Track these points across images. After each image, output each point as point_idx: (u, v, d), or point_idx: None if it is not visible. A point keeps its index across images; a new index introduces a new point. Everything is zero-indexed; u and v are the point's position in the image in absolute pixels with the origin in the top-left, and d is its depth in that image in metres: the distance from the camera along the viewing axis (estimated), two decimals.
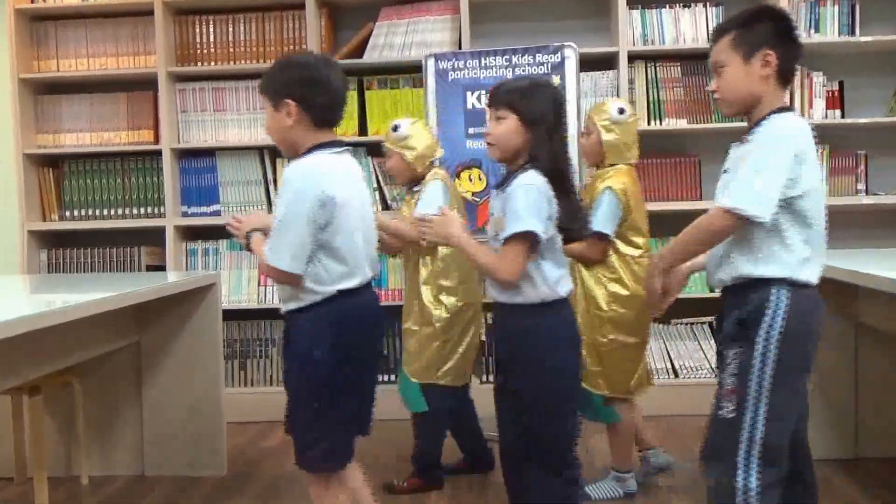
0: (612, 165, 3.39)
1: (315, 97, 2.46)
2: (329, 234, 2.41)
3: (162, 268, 4.93)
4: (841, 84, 4.73)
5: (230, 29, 4.91)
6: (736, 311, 2.33)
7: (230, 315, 4.79)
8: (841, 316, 3.76)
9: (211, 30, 4.92)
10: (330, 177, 2.43)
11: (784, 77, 2.34)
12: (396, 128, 3.59)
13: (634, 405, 3.50)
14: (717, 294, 4.61)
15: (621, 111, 3.37)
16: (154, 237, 4.90)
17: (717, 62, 2.37)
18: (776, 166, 2.22)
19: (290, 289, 2.47)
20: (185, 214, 4.95)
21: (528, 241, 2.41)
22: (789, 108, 2.38)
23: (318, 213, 2.38)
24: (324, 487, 2.56)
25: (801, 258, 2.30)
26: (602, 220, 3.26)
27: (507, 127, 2.51)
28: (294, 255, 2.38)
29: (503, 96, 2.53)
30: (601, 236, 3.26)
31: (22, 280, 4.30)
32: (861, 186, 4.72)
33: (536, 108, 2.50)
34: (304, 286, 2.44)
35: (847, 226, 4.85)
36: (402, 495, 3.57)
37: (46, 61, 5.01)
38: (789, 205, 2.26)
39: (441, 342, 3.52)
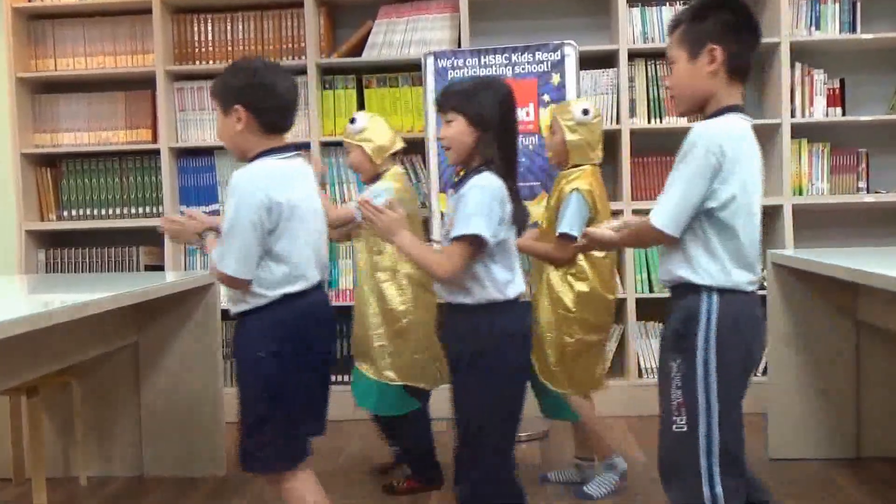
0: (576, 166, 3.39)
1: (263, 103, 2.48)
2: (275, 238, 2.44)
3: (160, 268, 4.92)
4: (842, 82, 4.71)
5: (228, 28, 4.89)
6: (673, 317, 2.34)
7: (229, 315, 4.76)
8: (842, 314, 3.76)
9: (209, 28, 4.91)
10: (276, 182, 2.45)
11: (736, 72, 2.27)
12: (353, 121, 3.58)
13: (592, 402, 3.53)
14: None
15: (585, 112, 3.38)
16: (152, 237, 4.88)
17: (669, 57, 2.34)
18: (688, 182, 2.20)
19: (237, 292, 2.49)
20: (183, 214, 4.92)
21: (474, 243, 2.39)
22: (735, 108, 2.29)
23: (265, 218, 2.41)
24: (286, 481, 2.56)
25: (726, 266, 2.25)
26: (570, 221, 3.25)
27: (455, 129, 2.50)
28: (240, 260, 2.41)
29: (449, 99, 2.53)
30: (568, 237, 3.22)
31: (19, 280, 4.29)
32: (862, 184, 4.71)
33: (482, 108, 2.48)
34: (250, 290, 2.46)
35: (848, 224, 4.84)
36: (401, 496, 3.55)
37: (44, 60, 4.99)
38: (710, 215, 2.22)
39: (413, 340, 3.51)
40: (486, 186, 2.41)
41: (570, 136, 3.36)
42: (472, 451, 2.51)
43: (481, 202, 2.39)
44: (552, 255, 3.32)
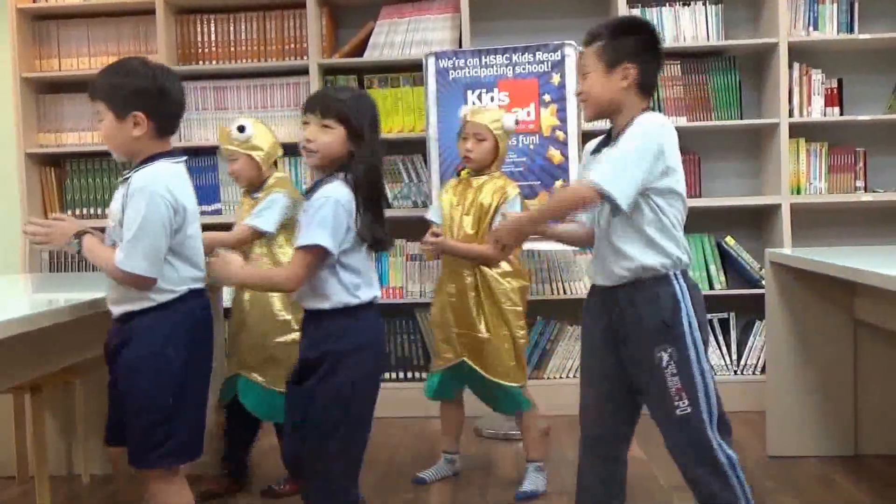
0: (489, 173, 3.51)
1: (162, 109, 2.49)
2: (179, 238, 2.47)
3: None
4: (840, 81, 4.73)
5: (231, 28, 4.92)
6: (650, 309, 2.43)
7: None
8: (840, 313, 3.77)
9: (212, 29, 4.94)
10: (178, 185, 2.49)
11: (644, 88, 2.48)
12: (242, 129, 3.46)
13: None
14: (714, 291, 4.63)
15: (516, 122, 3.64)
16: None
17: (583, 66, 2.52)
18: (639, 156, 2.36)
19: (128, 291, 2.47)
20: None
21: (317, 252, 2.44)
22: (651, 109, 2.53)
23: (172, 218, 2.43)
24: (166, 482, 2.54)
25: (681, 244, 2.47)
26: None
27: (334, 137, 2.51)
28: (150, 258, 2.40)
29: (333, 105, 2.52)
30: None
31: (23, 279, 4.31)
32: (860, 184, 4.73)
33: (363, 121, 2.52)
34: (154, 287, 2.46)
35: (846, 223, 4.86)
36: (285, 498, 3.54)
37: (48, 60, 5.02)
38: (660, 195, 2.41)
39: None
40: (333, 197, 2.45)
41: (502, 145, 3.54)
42: (318, 457, 2.52)
43: (327, 212, 2.43)
44: (488, 255, 3.37)
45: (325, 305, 2.50)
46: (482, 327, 3.46)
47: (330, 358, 2.48)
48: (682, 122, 4.69)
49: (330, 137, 2.50)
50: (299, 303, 2.58)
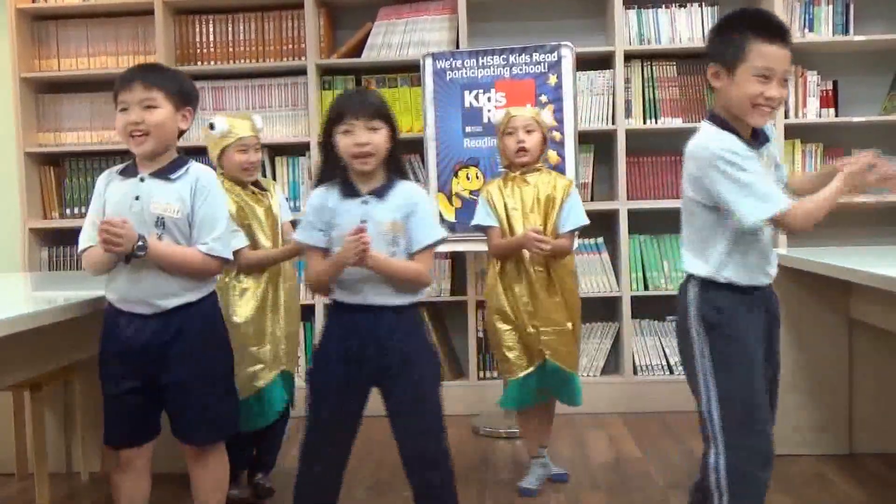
0: (537, 167, 3.53)
1: (195, 113, 2.71)
2: None
3: None
4: (835, 83, 4.76)
5: (230, 29, 4.94)
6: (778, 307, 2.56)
7: None
8: (835, 312, 3.79)
9: (211, 29, 4.96)
10: None
11: None
12: (259, 122, 3.50)
13: None
14: None
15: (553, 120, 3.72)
16: None
17: (787, 72, 2.40)
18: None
19: (190, 282, 2.61)
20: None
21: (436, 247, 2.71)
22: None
23: None
24: (222, 453, 2.80)
25: None
26: (583, 213, 3.47)
27: (384, 137, 2.61)
28: (230, 246, 2.73)
29: (379, 108, 2.63)
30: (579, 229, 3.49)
31: (23, 277, 4.33)
32: None
33: (396, 122, 2.70)
34: (203, 278, 2.67)
35: (840, 223, 4.86)
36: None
37: (47, 60, 5.04)
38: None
39: None
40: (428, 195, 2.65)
41: (546, 137, 3.60)
42: (444, 450, 2.73)
43: (434, 209, 2.58)
44: (567, 248, 3.46)
45: (414, 300, 2.68)
46: (563, 319, 3.45)
47: (431, 351, 2.73)
48: (678, 123, 4.71)
49: (381, 138, 2.60)
50: (382, 300, 2.63)
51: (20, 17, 4.92)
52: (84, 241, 2.61)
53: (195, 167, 2.66)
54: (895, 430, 3.82)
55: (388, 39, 4.84)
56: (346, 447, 2.77)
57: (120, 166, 2.69)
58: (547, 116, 3.62)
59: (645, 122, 4.74)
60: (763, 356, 2.48)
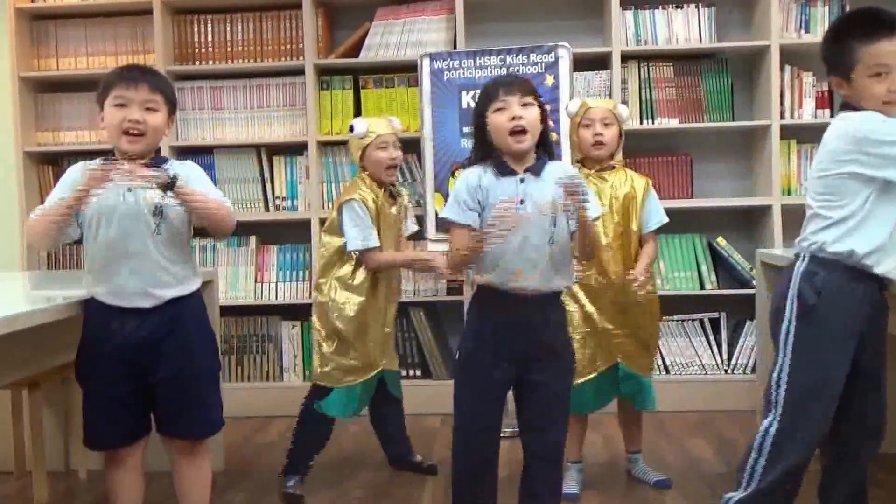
0: (611, 163, 3.43)
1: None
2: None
3: None
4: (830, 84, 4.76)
5: (228, 29, 4.95)
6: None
7: (227, 311, 4.83)
8: None
9: (209, 29, 4.97)
10: None
11: None
12: (351, 129, 3.60)
13: None
14: (705, 291, 4.65)
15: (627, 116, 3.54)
16: None
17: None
18: None
19: (184, 271, 2.68)
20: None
21: None
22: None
23: None
24: (207, 449, 2.81)
25: None
26: (663, 211, 3.45)
27: (535, 115, 2.58)
28: None
29: (528, 85, 2.62)
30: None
31: (22, 276, 4.34)
32: None
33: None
34: (194, 271, 2.75)
35: None
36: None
37: (46, 60, 5.06)
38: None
39: None
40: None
41: (622, 132, 3.47)
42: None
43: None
44: (655, 255, 3.48)
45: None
46: (642, 321, 3.41)
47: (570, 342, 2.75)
48: (675, 123, 4.73)
49: (533, 115, 2.58)
50: (544, 285, 2.60)
51: (19, 16, 4.93)
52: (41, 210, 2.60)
53: (176, 162, 2.72)
54: (892, 430, 3.82)
55: (386, 40, 4.86)
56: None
57: (96, 161, 2.66)
58: (623, 110, 3.49)
59: (642, 123, 4.76)
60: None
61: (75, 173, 2.62)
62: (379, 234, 3.46)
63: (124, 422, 2.66)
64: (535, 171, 2.59)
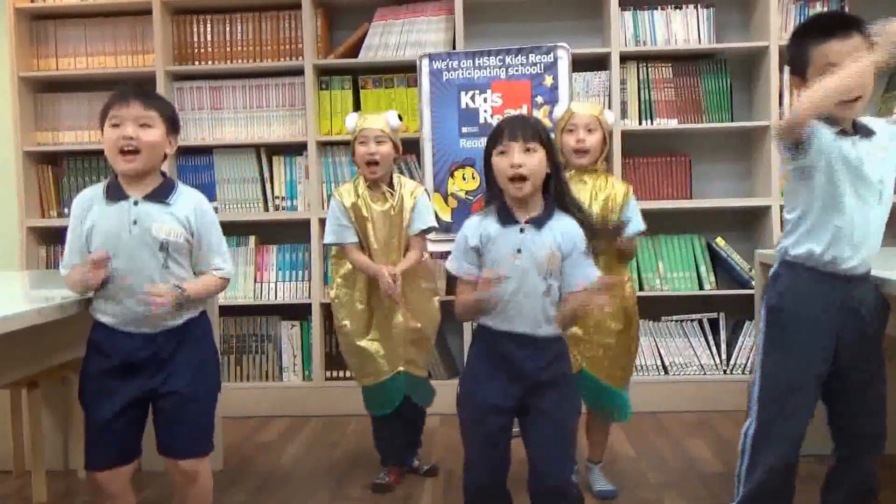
0: (596, 168, 3.38)
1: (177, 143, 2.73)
2: None
3: None
4: None
5: (227, 29, 4.96)
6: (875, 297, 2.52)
7: (226, 311, 4.84)
8: None
9: (208, 29, 4.98)
10: None
11: None
12: (400, 118, 3.62)
13: None
14: (704, 292, 4.65)
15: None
16: None
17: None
18: None
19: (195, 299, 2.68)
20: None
21: None
22: None
23: None
24: (206, 465, 2.75)
25: None
26: (642, 219, 3.34)
27: (538, 160, 2.51)
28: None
29: (538, 130, 2.54)
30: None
31: (21, 276, 4.34)
32: None
33: (554, 147, 2.60)
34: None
35: None
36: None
37: (46, 60, 5.06)
38: None
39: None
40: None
41: (607, 138, 3.41)
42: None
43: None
44: (632, 250, 3.39)
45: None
46: (616, 333, 3.32)
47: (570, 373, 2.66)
48: (673, 124, 4.73)
49: (537, 161, 2.51)
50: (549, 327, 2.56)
51: (19, 16, 4.94)
52: (67, 266, 2.65)
53: (184, 189, 2.67)
54: (890, 431, 3.83)
55: (385, 40, 4.86)
56: None
57: (98, 188, 2.64)
58: (610, 116, 3.46)
59: (641, 123, 4.76)
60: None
61: (80, 208, 2.65)
62: (364, 232, 3.45)
63: (115, 443, 2.61)
64: (538, 223, 2.54)
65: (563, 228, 2.54)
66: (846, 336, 2.49)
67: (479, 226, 2.57)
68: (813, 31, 2.44)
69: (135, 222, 2.54)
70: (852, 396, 2.55)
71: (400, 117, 3.61)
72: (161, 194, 2.60)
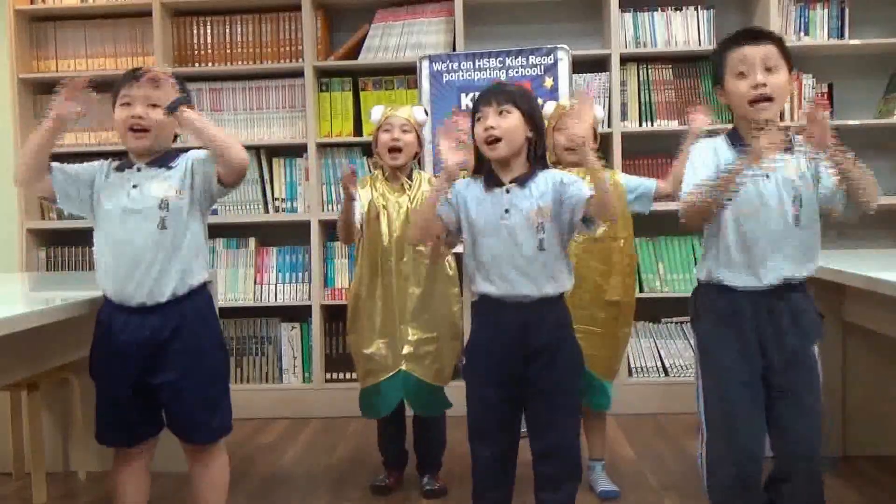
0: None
1: None
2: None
3: None
4: (830, 86, 4.78)
5: (227, 30, 4.96)
6: (809, 307, 2.60)
7: (226, 313, 4.83)
8: (829, 315, 3.79)
9: (208, 31, 4.98)
10: None
11: None
12: (426, 112, 3.57)
13: None
14: None
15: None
16: None
17: (774, 64, 2.49)
18: None
19: (195, 262, 2.65)
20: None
21: None
22: None
23: None
24: (224, 451, 2.85)
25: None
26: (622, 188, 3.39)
27: (512, 122, 2.55)
28: None
29: (512, 93, 2.59)
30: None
31: (21, 278, 4.34)
32: None
33: (536, 109, 2.64)
34: (202, 265, 2.68)
35: (835, 226, 4.89)
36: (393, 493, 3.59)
37: (45, 61, 5.06)
38: None
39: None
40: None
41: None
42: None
43: None
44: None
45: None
46: (608, 322, 3.37)
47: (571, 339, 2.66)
48: (674, 125, 4.73)
49: (511, 122, 2.56)
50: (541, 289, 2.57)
51: (18, 18, 4.94)
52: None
53: (191, 153, 2.72)
54: (889, 432, 3.83)
55: (385, 42, 4.86)
56: None
57: (115, 162, 2.72)
58: (599, 112, 3.43)
59: (641, 125, 4.76)
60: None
61: (98, 164, 2.74)
62: (376, 229, 3.38)
63: (131, 421, 2.65)
64: (521, 181, 2.58)
65: (544, 179, 2.58)
66: (770, 348, 2.53)
67: (463, 187, 2.64)
68: (729, 41, 2.54)
69: (134, 186, 2.61)
70: (785, 413, 2.52)
71: (426, 112, 3.57)
72: (165, 160, 2.68)
